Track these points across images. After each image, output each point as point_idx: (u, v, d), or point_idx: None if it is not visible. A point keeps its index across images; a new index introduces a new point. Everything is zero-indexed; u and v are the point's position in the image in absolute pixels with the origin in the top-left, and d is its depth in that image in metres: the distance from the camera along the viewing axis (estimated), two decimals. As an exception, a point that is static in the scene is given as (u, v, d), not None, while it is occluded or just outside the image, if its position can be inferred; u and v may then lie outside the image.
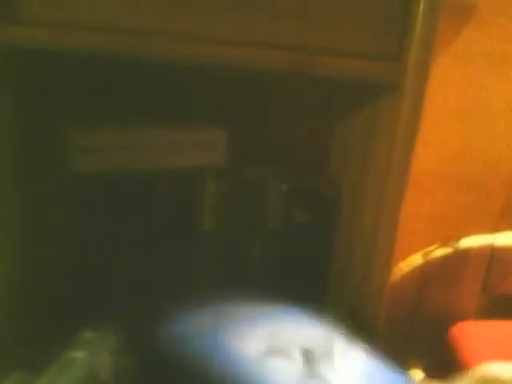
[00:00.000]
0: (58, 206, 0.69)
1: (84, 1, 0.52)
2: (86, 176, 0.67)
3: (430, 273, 1.04)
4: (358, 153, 0.73)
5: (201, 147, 0.74)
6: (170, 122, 0.73)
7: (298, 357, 0.54)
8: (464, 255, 1.03)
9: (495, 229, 1.04)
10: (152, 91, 0.77)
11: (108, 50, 0.53)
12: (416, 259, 1.05)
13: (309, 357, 0.54)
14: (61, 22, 0.52)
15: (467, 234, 1.04)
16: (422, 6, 0.57)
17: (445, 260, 1.04)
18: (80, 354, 0.57)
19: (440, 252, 1.04)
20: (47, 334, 0.63)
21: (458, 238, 1.03)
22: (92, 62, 0.57)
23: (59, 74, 0.70)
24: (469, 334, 0.99)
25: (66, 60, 0.61)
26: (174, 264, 0.75)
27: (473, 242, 1.03)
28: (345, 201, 0.76)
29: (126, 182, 0.70)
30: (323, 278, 0.79)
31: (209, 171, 0.73)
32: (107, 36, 0.53)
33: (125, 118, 0.73)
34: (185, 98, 0.78)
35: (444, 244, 1.04)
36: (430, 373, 1.05)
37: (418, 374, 1.06)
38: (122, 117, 0.73)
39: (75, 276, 0.71)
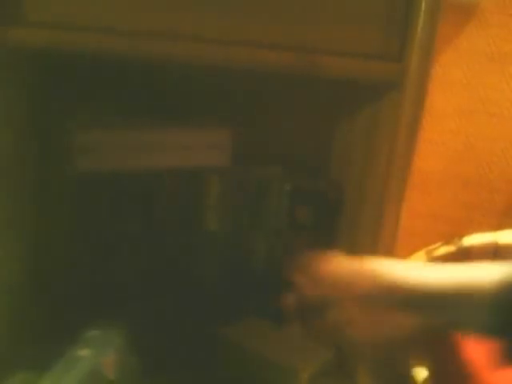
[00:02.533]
0: (62, 205, 0.69)
1: (85, 3, 0.52)
2: (90, 176, 0.67)
3: (433, 271, 1.04)
4: (359, 152, 0.73)
5: (205, 147, 0.74)
6: (175, 123, 0.74)
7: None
8: (467, 253, 1.03)
9: (498, 227, 1.04)
10: (157, 91, 0.77)
11: (113, 50, 0.53)
12: (419, 257, 1.05)
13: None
14: (62, 24, 0.52)
15: (470, 232, 1.04)
16: (423, 6, 0.58)
17: (448, 258, 1.03)
18: (85, 353, 0.58)
19: (443, 250, 1.04)
20: (52, 333, 0.63)
21: (461, 236, 1.03)
22: (96, 62, 0.57)
23: (63, 75, 0.70)
24: (472, 331, 0.99)
25: (69, 61, 0.61)
26: (178, 263, 0.76)
27: (476, 240, 1.03)
28: (347, 201, 0.76)
29: (130, 181, 0.70)
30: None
31: (213, 171, 0.73)
32: (109, 37, 0.53)
33: (129, 118, 0.73)
34: (189, 98, 0.78)
35: (447, 242, 1.04)
36: (433, 371, 1.05)
37: (422, 372, 1.06)
38: (126, 117, 0.73)
39: (79, 275, 0.71)
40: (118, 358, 0.60)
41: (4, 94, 0.57)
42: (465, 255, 1.02)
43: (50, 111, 0.70)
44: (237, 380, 0.68)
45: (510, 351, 0.46)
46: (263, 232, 0.77)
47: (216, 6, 0.55)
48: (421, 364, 1.06)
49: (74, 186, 0.68)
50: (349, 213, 0.76)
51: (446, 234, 1.05)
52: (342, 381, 0.68)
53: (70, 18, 0.52)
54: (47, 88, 0.69)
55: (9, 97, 0.58)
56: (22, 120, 0.62)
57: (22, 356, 0.61)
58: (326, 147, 0.82)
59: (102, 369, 0.58)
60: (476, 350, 0.93)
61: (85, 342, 0.59)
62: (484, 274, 0.51)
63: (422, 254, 1.05)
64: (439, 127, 1.04)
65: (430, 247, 1.04)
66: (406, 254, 1.05)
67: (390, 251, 0.67)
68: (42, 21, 0.52)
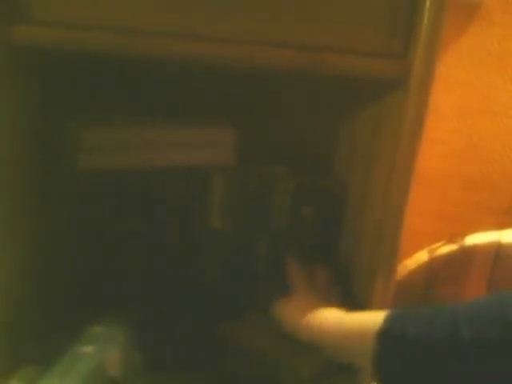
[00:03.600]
0: (64, 204, 0.69)
1: (90, 1, 0.52)
2: (94, 174, 0.67)
3: (436, 269, 1.04)
4: (363, 151, 0.73)
5: (209, 145, 0.74)
6: (179, 121, 0.74)
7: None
8: (470, 252, 1.03)
9: (501, 226, 1.04)
10: (160, 90, 0.77)
11: (117, 48, 0.53)
12: (422, 256, 1.05)
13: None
14: (66, 22, 0.52)
15: (473, 231, 1.04)
16: (427, 4, 0.58)
17: (450, 257, 1.03)
18: (89, 349, 0.58)
19: (446, 249, 1.04)
20: (57, 329, 0.63)
21: (464, 235, 1.03)
22: (100, 60, 0.57)
23: (65, 73, 0.70)
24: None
25: (72, 59, 0.61)
26: (181, 260, 0.76)
27: (479, 239, 1.03)
28: (351, 199, 0.77)
29: (133, 180, 0.70)
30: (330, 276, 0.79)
31: (217, 169, 0.73)
32: (114, 35, 0.53)
33: (132, 116, 0.73)
34: (193, 96, 0.78)
35: (450, 241, 1.04)
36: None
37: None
38: (129, 115, 0.73)
39: (84, 272, 0.71)
40: (121, 355, 0.60)
41: (7, 92, 0.57)
42: (467, 254, 1.02)
43: (51, 109, 0.69)
44: (238, 377, 0.68)
45: None
46: (267, 230, 0.77)
47: (219, 5, 0.54)
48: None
49: (77, 184, 0.68)
50: (353, 211, 0.76)
51: (448, 233, 1.06)
52: (343, 378, 0.68)
53: (76, 16, 0.52)
54: (49, 86, 0.69)
55: (12, 95, 0.58)
56: (23, 118, 0.62)
57: (26, 352, 0.61)
58: (330, 145, 0.83)
59: (105, 366, 0.58)
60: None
61: (88, 339, 0.59)
62: (370, 324, 0.54)
63: (424, 252, 1.05)
64: (442, 126, 1.04)
65: (433, 246, 1.05)
66: (408, 252, 1.06)
67: (393, 250, 0.67)
68: (48, 19, 0.52)
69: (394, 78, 0.61)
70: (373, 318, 0.54)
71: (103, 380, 0.58)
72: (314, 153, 0.81)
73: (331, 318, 0.61)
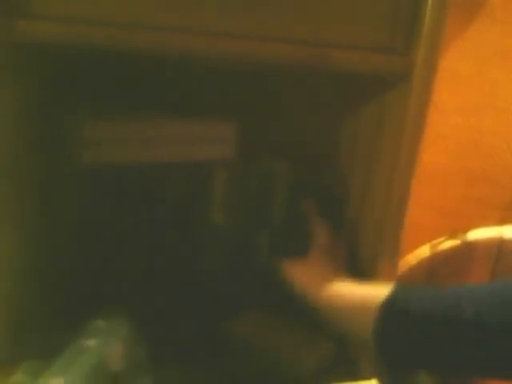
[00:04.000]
0: (67, 200, 0.69)
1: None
2: (95, 170, 0.67)
3: (437, 265, 1.04)
4: (365, 146, 0.73)
5: (210, 141, 0.74)
6: (180, 116, 0.74)
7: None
8: (472, 247, 1.03)
9: (502, 222, 1.04)
10: (162, 85, 0.77)
11: (118, 43, 0.53)
12: (424, 251, 1.05)
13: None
14: (66, 17, 0.52)
15: (475, 226, 1.04)
16: (430, 0, 0.58)
17: (452, 252, 1.03)
18: (92, 343, 0.58)
19: (448, 244, 1.04)
20: (59, 323, 0.63)
21: (466, 231, 1.03)
22: (102, 55, 0.57)
23: (67, 69, 0.70)
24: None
25: (73, 54, 0.61)
26: (183, 256, 0.76)
27: (481, 234, 1.03)
28: (352, 195, 0.77)
29: (134, 175, 0.70)
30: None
31: (218, 164, 0.73)
32: (115, 30, 0.53)
33: (134, 111, 0.73)
34: (195, 91, 0.78)
35: (452, 236, 1.04)
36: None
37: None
38: (131, 110, 0.73)
39: (87, 266, 0.71)
40: (124, 349, 0.60)
41: (10, 89, 0.57)
42: (469, 250, 1.02)
43: (54, 105, 0.69)
44: (238, 373, 0.68)
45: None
46: (268, 225, 0.77)
47: (225, 1, 0.54)
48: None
49: (78, 181, 0.68)
50: (354, 208, 0.76)
51: (449, 228, 1.06)
52: (345, 370, 0.68)
53: (77, 11, 0.52)
54: (50, 82, 0.69)
55: (15, 91, 0.58)
56: (24, 114, 0.62)
57: (29, 347, 0.62)
58: (332, 141, 0.82)
59: (108, 360, 0.58)
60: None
61: (91, 333, 0.60)
62: (375, 295, 0.54)
63: (426, 248, 1.05)
64: (444, 121, 1.05)
65: (435, 241, 1.05)
66: (410, 247, 1.06)
67: (394, 247, 0.67)
68: (49, 14, 0.51)
69: (396, 73, 0.61)
70: (378, 290, 0.54)
71: (105, 374, 0.58)
72: (316, 148, 0.81)
73: (341, 285, 0.60)
